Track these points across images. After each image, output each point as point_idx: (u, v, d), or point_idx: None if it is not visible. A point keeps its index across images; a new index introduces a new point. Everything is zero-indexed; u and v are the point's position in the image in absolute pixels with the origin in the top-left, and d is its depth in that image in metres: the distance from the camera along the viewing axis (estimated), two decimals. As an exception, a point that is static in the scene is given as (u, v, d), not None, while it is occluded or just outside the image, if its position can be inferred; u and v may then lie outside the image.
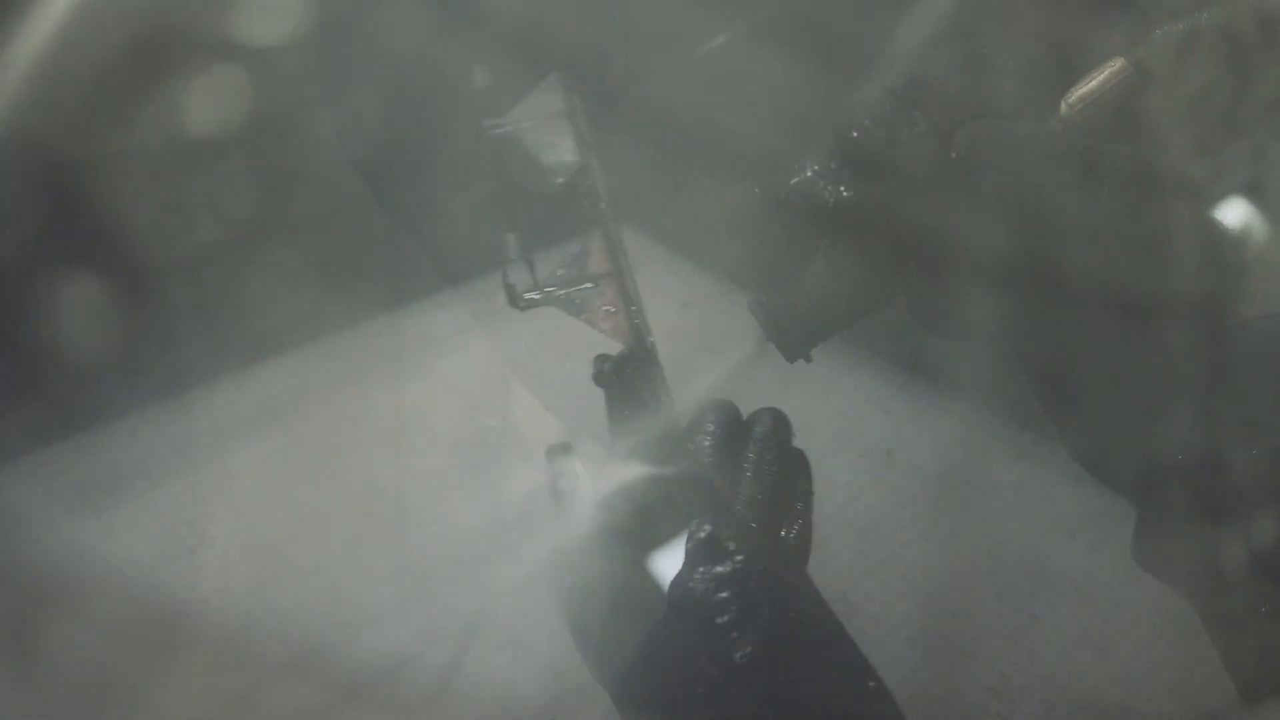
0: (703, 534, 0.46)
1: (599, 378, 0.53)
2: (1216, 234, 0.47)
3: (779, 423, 0.52)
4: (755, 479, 0.50)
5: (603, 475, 0.52)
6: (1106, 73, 0.49)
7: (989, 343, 0.51)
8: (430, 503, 0.87)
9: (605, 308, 0.55)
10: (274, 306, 0.93)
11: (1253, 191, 0.49)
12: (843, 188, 0.51)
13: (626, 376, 0.53)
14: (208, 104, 0.83)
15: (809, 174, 0.52)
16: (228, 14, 0.81)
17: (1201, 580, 0.48)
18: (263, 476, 0.88)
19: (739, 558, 0.45)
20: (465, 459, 0.91)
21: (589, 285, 0.56)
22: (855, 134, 0.49)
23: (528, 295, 0.55)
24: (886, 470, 0.83)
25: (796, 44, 0.84)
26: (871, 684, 0.44)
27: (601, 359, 0.53)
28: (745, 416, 0.52)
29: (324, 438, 0.92)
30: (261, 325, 0.94)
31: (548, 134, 0.57)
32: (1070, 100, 0.49)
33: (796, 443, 0.52)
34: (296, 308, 0.97)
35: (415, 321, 1.01)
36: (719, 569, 0.45)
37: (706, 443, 0.51)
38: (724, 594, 0.45)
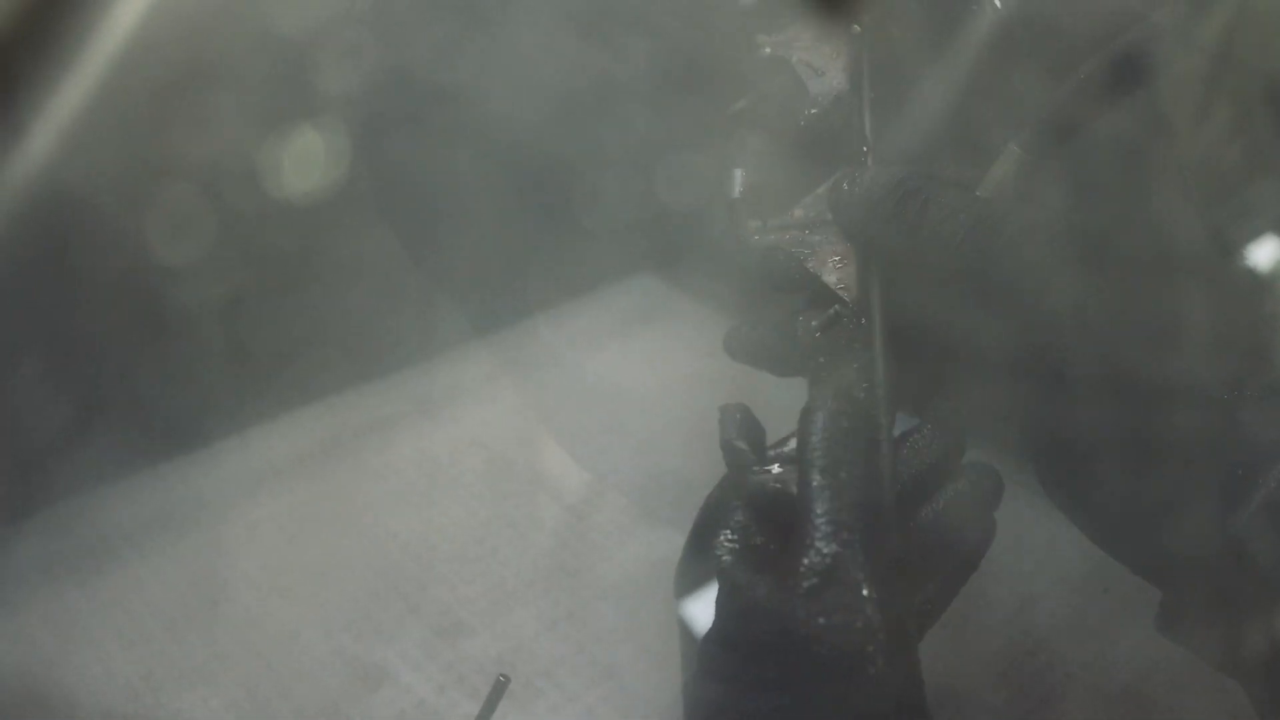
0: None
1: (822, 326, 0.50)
2: (1237, 302, 0.46)
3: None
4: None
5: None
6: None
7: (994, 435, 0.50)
8: (455, 556, 0.87)
9: (835, 257, 0.51)
10: (301, 355, 0.94)
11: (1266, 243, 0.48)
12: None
13: (837, 334, 0.51)
14: (241, 143, 0.84)
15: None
16: (268, 50, 0.82)
17: (1234, 658, 0.47)
18: (286, 528, 0.88)
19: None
20: (492, 511, 0.90)
21: (821, 234, 0.52)
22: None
23: (756, 232, 0.53)
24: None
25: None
26: None
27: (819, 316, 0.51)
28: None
29: (350, 490, 0.92)
30: (288, 374, 0.94)
31: (821, 60, 0.53)
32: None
33: None
34: (323, 357, 0.97)
35: (443, 372, 1.01)
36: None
37: None
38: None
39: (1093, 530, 0.50)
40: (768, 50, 0.55)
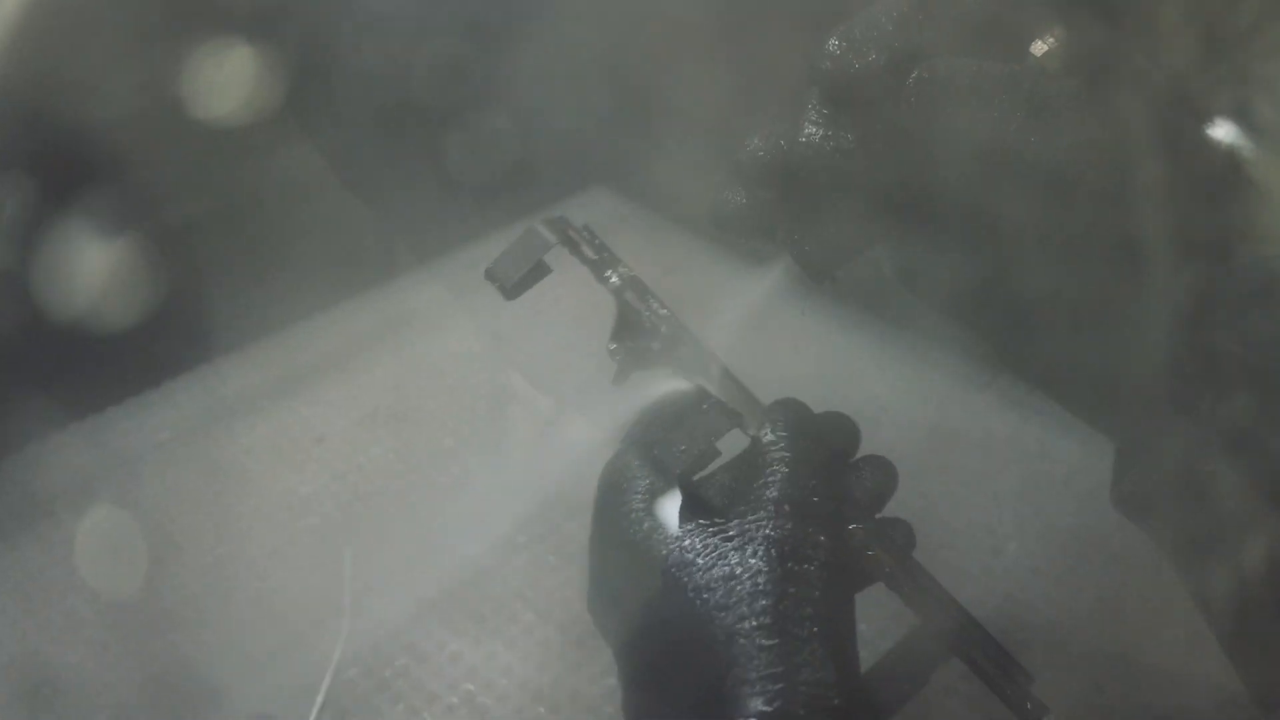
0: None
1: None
2: (1213, 154, 0.46)
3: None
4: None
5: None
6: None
7: (956, 296, 0.50)
8: (423, 484, 0.86)
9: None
10: (254, 287, 0.92)
11: (1239, 116, 0.47)
12: (822, 133, 0.50)
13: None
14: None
15: (785, 129, 0.51)
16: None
17: (1185, 523, 0.47)
18: (245, 467, 0.87)
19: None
20: (457, 437, 0.90)
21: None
22: (828, 65, 0.49)
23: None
24: (879, 427, 0.82)
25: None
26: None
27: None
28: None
29: (311, 422, 0.91)
30: (240, 307, 0.92)
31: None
32: (1040, 48, 0.48)
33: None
34: (277, 288, 0.95)
35: (397, 299, 1.00)
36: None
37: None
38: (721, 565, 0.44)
39: (1050, 386, 0.51)
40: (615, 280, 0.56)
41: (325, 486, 0.85)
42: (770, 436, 0.48)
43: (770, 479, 0.46)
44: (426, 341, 0.97)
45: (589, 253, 0.56)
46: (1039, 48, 0.48)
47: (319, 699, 0.69)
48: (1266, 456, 0.42)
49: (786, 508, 0.45)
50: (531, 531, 0.82)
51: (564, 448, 0.87)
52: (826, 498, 0.47)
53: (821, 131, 0.50)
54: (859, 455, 0.52)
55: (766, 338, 0.97)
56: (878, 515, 0.51)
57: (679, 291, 1.03)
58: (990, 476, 0.82)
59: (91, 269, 0.83)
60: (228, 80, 0.83)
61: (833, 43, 0.48)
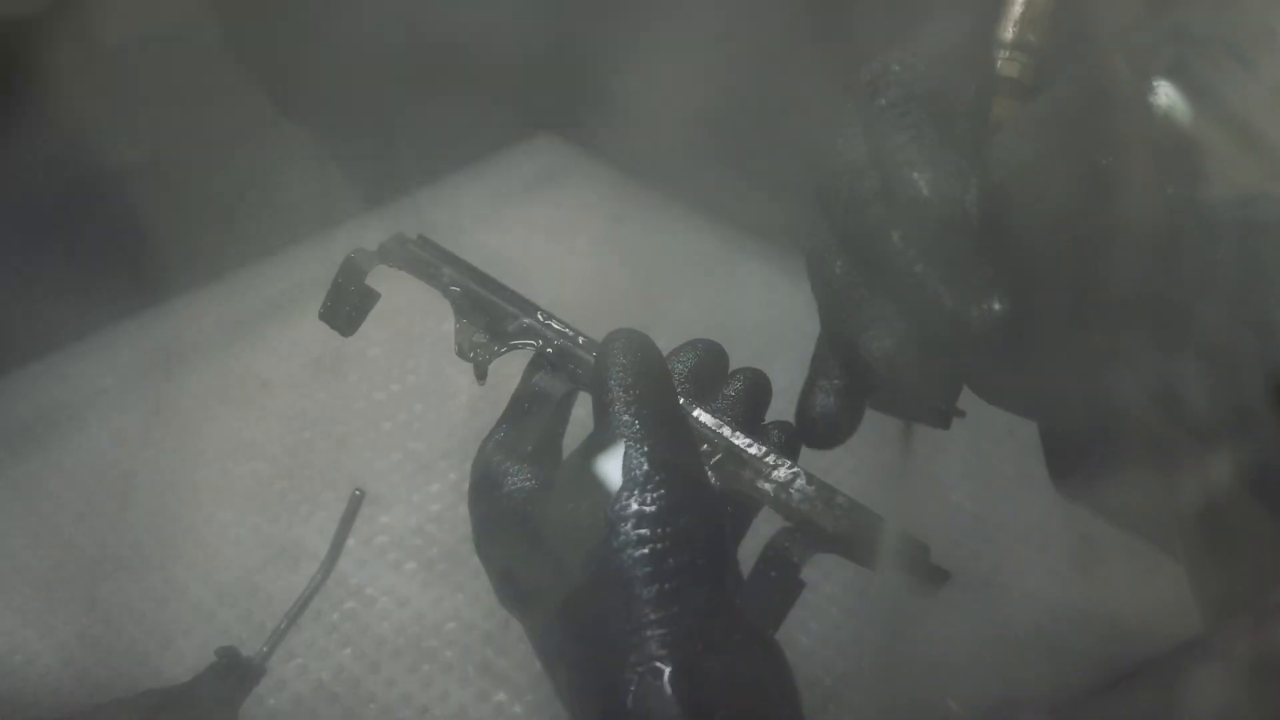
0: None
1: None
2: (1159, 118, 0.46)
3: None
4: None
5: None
6: None
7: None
8: (368, 429, 0.86)
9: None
10: (195, 233, 0.91)
11: (1174, 73, 0.48)
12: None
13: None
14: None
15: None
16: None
17: (1127, 482, 0.48)
18: (192, 413, 0.87)
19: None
20: (402, 384, 0.90)
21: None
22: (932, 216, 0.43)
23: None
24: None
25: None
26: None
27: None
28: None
29: (256, 369, 0.91)
30: (183, 254, 0.91)
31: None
32: (1002, 36, 0.46)
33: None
34: (219, 233, 0.95)
35: (341, 244, 0.99)
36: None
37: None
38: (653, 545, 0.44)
39: (1015, 391, 0.50)
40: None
41: (270, 431, 0.85)
42: (604, 387, 0.47)
43: (618, 427, 0.45)
44: (373, 286, 0.97)
45: (422, 261, 0.55)
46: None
47: (282, 625, 0.68)
48: (1197, 398, 0.43)
49: (639, 445, 0.45)
50: (479, 477, 0.82)
51: (505, 394, 0.87)
52: (676, 429, 0.47)
53: (955, 288, 0.42)
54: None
55: (711, 289, 0.98)
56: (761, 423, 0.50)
57: (628, 242, 1.04)
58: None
59: (30, 213, 0.82)
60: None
61: (921, 189, 0.42)
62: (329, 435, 0.85)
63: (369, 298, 0.55)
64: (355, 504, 0.67)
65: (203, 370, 0.90)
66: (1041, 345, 0.46)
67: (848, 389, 0.48)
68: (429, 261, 0.55)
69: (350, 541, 0.77)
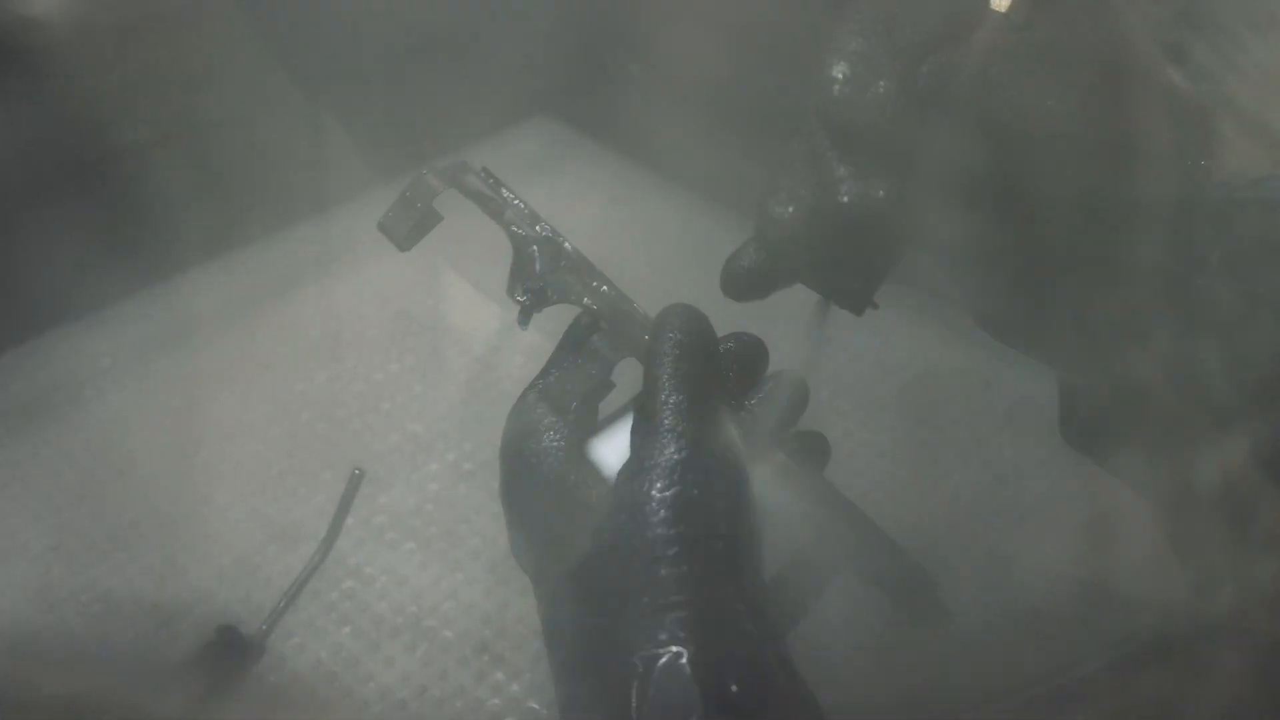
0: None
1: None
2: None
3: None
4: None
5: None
6: None
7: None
8: (366, 410, 0.86)
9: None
10: (193, 213, 0.91)
11: (1178, 55, 0.48)
12: (850, 173, 0.47)
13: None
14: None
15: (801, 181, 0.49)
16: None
17: (1136, 445, 0.48)
18: (190, 393, 0.86)
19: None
20: (399, 364, 0.90)
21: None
22: (839, 108, 0.46)
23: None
24: (822, 359, 0.83)
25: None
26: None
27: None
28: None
29: (253, 350, 0.91)
30: (180, 234, 0.91)
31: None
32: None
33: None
34: (216, 213, 0.94)
35: (339, 225, 0.99)
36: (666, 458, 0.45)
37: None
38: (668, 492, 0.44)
39: (1048, 354, 0.51)
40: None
41: (269, 412, 0.85)
42: (657, 362, 0.47)
43: (664, 405, 0.46)
44: (369, 270, 0.97)
45: (486, 194, 0.55)
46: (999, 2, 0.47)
47: (281, 604, 0.68)
48: (1213, 375, 0.44)
49: (682, 428, 0.45)
50: (477, 459, 0.82)
51: (502, 375, 0.88)
52: (719, 416, 0.47)
53: (849, 172, 0.47)
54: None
55: (709, 268, 0.98)
56: (793, 430, 0.51)
57: (624, 221, 1.03)
58: (934, 408, 0.84)
59: (31, 191, 0.82)
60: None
61: (835, 83, 0.46)
62: (328, 416, 0.85)
63: (431, 218, 0.55)
64: (355, 483, 0.68)
65: (202, 351, 0.90)
66: (1054, 297, 0.46)
67: (770, 256, 0.50)
68: (492, 198, 0.55)
69: (349, 521, 0.77)
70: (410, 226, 0.55)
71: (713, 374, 0.48)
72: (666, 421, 0.45)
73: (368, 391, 0.87)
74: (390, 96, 1.00)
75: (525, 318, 0.54)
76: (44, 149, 0.82)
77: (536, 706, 0.68)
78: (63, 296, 0.88)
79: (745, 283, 0.51)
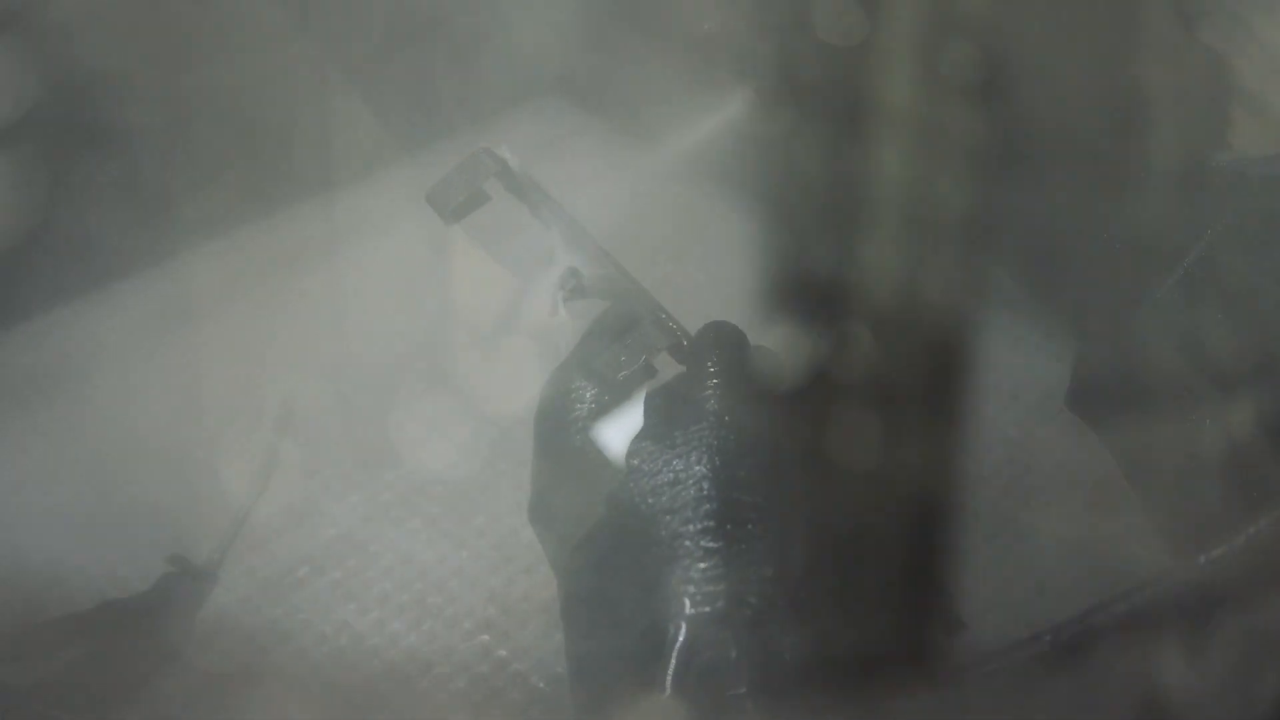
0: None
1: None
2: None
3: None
4: None
5: None
6: None
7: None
8: (373, 387, 0.86)
9: None
10: (201, 187, 0.91)
11: (1230, 23, 0.48)
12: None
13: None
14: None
15: None
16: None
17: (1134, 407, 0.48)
18: (196, 366, 0.86)
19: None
20: (407, 341, 0.90)
21: None
22: None
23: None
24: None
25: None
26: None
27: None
28: None
29: (260, 324, 0.90)
30: (188, 207, 0.91)
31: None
32: None
33: None
34: (225, 187, 0.94)
35: (346, 200, 0.99)
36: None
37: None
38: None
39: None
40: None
41: (275, 391, 0.85)
42: (707, 354, 0.50)
43: (710, 392, 0.48)
44: (376, 250, 0.97)
45: (530, 186, 0.56)
46: None
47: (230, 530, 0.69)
48: (1220, 344, 0.44)
49: (727, 418, 0.46)
50: (483, 437, 0.82)
51: (510, 357, 0.87)
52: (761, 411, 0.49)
53: None
54: None
55: (712, 255, 0.97)
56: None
57: (632, 206, 1.03)
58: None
59: (36, 166, 0.82)
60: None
61: None
62: (335, 393, 0.85)
63: (480, 197, 0.56)
64: (285, 413, 0.68)
65: (207, 328, 0.90)
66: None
67: None
68: (536, 190, 0.56)
69: (354, 498, 0.78)
70: (460, 201, 0.56)
71: (749, 367, 0.50)
72: (709, 405, 0.47)
73: (375, 367, 0.87)
74: (399, 75, 1.00)
75: (558, 308, 0.55)
76: (50, 124, 0.82)
77: (541, 684, 0.68)
78: (67, 273, 0.88)
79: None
